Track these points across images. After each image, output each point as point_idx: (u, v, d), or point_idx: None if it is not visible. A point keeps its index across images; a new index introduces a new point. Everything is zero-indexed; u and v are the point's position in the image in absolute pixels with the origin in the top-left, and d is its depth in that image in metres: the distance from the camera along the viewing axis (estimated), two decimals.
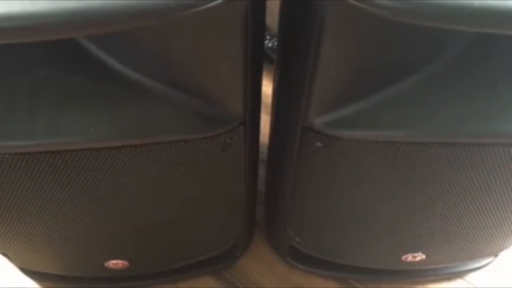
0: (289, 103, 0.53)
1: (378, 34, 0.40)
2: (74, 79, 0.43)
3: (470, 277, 0.81)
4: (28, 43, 0.41)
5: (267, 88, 0.61)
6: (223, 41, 0.40)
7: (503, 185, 0.52)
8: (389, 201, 0.56)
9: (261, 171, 0.73)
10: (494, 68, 0.46)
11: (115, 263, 0.68)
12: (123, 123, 0.44)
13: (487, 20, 0.33)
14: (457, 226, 0.60)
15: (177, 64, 0.43)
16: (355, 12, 0.36)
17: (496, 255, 0.78)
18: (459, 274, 0.80)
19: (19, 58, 0.44)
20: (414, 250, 0.67)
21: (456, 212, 0.57)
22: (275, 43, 1.01)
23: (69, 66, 0.44)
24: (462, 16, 0.33)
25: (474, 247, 0.67)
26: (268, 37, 1.03)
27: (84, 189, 0.50)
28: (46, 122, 0.43)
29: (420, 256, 0.68)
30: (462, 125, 0.45)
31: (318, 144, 0.49)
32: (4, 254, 0.65)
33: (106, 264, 0.67)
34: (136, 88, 0.44)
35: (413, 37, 0.42)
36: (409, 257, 0.68)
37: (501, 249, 0.71)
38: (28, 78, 0.43)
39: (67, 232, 0.57)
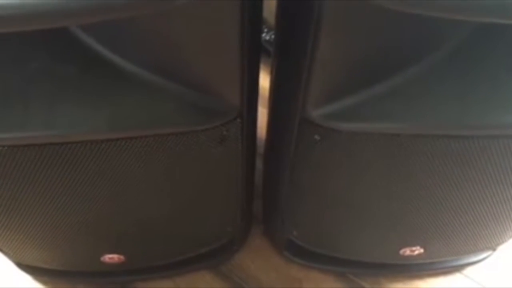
0: (286, 95, 0.53)
1: (378, 24, 0.40)
2: (68, 70, 0.43)
3: (468, 271, 0.81)
4: (20, 35, 0.40)
5: (264, 81, 0.60)
6: (219, 30, 0.39)
7: (503, 178, 0.52)
8: (388, 194, 0.55)
9: (258, 164, 0.72)
10: (496, 58, 0.45)
11: (111, 258, 0.67)
12: (119, 115, 0.43)
13: (483, 10, 0.33)
14: (456, 220, 0.60)
15: (174, 55, 0.42)
16: (354, 1, 0.36)
17: (494, 249, 0.78)
18: (457, 268, 0.80)
19: (12, 50, 0.43)
20: (412, 244, 0.67)
21: (455, 206, 0.57)
22: (272, 36, 1.00)
23: (63, 57, 0.43)
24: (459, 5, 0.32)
25: (473, 241, 0.66)
26: (265, 30, 1.02)
27: (79, 182, 0.49)
28: (40, 114, 0.42)
29: (418, 250, 0.68)
30: (462, 117, 0.45)
31: (316, 136, 0.49)
32: None
33: (102, 258, 0.67)
34: (131, 79, 0.43)
35: (414, 26, 0.41)
36: (407, 251, 0.68)
37: (499, 243, 0.71)
38: (21, 69, 0.43)
39: (62, 226, 0.57)
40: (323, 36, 0.40)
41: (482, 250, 0.75)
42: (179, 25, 0.39)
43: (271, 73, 0.63)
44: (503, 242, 0.70)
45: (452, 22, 0.42)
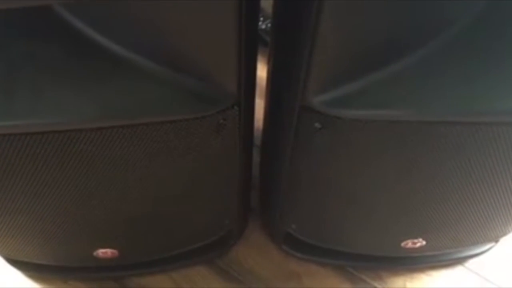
0: (285, 83, 0.51)
1: (379, 10, 0.39)
2: (55, 55, 0.41)
3: (470, 263, 0.80)
4: (5, 18, 0.39)
5: (261, 71, 0.59)
6: (216, 12, 0.38)
7: (507, 168, 0.51)
8: (390, 185, 0.54)
9: (255, 156, 0.71)
10: (503, 42, 0.44)
11: (104, 252, 0.66)
12: (109, 102, 0.42)
13: None
14: (459, 211, 0.59)
15: (168, 40, 0.40)
16: None
17: (496, 241, 0.77)
18: (459, 260, 0.79)
19: None
20: (414, 236, 0.66)
21: (458, 196, 0.56)
22: (269, 25, 0.99)
23: (50, 41, 0.41)
24: None
25: (475, 232, 0.66)
26: (261, 18, 1.00)
27: (69, 173, 0.47)
28: (25, 101, 0.40)
29: (420, 242, 0.67)
30: (469, 103, 0.44)
31: (317, 125, 0.47)
32: None
33: (94, 253, 0.66)
34: (123, 64, 0.41)
35: (419, 9, 0.40)
36: (409, 243, 0.67)
37: (502, 235, 0.70)
38: (4, 54, 0.41)
39: (53, 220, 0.55)
40: (324, 20, 0.38)
41: (485, 242, 0.74)
42: (175, 10, 0.37)
43: (269, 61, 0.62)
44: (505, 234, 0.69)
45: (456, 5, 0.41)
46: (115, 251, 0.66)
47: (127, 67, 0.41)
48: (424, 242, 0.67)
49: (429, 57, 0.43)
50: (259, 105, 0.65)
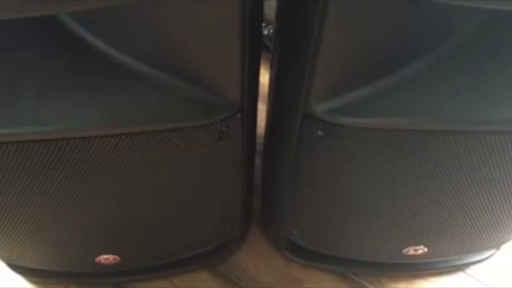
0: (288, 90, 0.51)
1: (384, 16, 0.39)
2: (59, 63, 0.41)
3: (471, 270, 0.80)
4: (8, 25, 0.39)
5: (263, 77, 0.58)
6: (219, 19, 0.38)
7: (508, 176, 0.51)
8: (392, 192, 0.54)
9: (257, 162, 0.70)
10: (502, 53, 0.44)
11: (106, 258, 0.66)
12: (113, 110, 0.42)
13: None
14: (461, 218, 0.59)
15: (172, 47, 0.41)
16: None
17: (498, 248, 0.77)
18: (460, 267, 0.79)
19: None
20: (416, 243, 0.65)
21: (459, 203, 0.56)
22: (271, 31, 0.99)
23: (53, 49, 0.41)
24: None
25: (477, 239, 0.66)
26: (263, 24, 1.00)
27: (73, 180, 0.47)
28: (29, 109, 0.40)
29: (422, 249, 0.67)
30: (469, 112, 0.44)
31: (319, 132, 0.47)
32: None
33: (96, 259, 0.65)
34: (126, 72, 0.41)
35: (420, 20, 0.40)
36: (410, 251, 0.67)
37: (504, 242, 0.70)
38: (9, 62, 0.41)
39: (56, 226, 0.55)
40: (329, 27, 0.38)
41: (486, 248, 0.74)
42: (177, 17, 0.37)
43: (271, 67, 0.62)
44: (507, 240, 0.69)
45: (461, 12, 0.41)
46: (117, 257, 0.66)
47: (130, 75, 0.41)
48: (426, 249, 0.67)
49: (433, 65, 0.43)
50: (261, 110, 0.65)
